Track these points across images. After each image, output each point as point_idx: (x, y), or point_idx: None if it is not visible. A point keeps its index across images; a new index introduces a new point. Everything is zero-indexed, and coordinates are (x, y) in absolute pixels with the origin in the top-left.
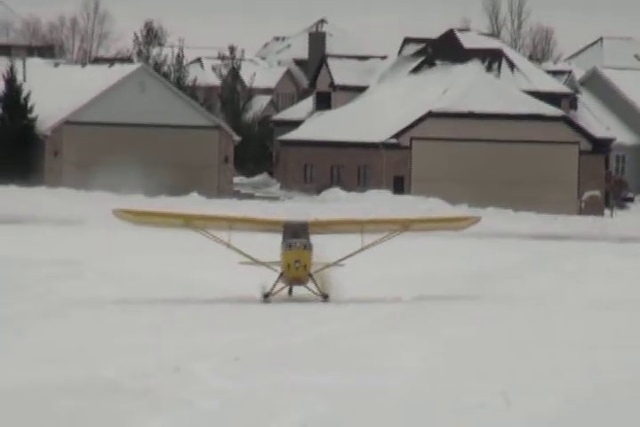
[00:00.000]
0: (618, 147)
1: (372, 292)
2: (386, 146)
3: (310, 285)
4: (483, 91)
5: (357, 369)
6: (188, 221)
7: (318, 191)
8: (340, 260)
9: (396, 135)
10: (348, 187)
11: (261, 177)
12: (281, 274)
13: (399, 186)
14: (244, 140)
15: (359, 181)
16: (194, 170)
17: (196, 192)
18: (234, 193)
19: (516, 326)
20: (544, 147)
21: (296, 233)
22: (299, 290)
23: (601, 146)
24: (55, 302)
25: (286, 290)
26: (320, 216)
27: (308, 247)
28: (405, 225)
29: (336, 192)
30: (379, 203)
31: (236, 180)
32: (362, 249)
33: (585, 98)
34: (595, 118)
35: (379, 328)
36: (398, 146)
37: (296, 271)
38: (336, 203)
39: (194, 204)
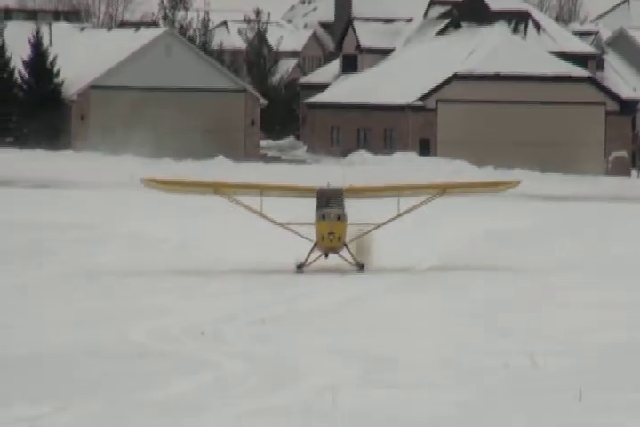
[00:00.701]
0: None
1: (402, 257)
2: (412, 108)
3: (345, 254)
4: (509, 52)
5: (383, 331)
6: (219, 189)
7: (344, 154)
8: (377, 226)
9: (422, 98)
10: (374, 149)
11: (288, 140)
12: (315, 244)
13: (425, 148)
14: (271, 103)
15: (385, 143)
16: (220, 133)
17: (222, 155)
18: (260, 156)
19: (534, 288)
20: (571, 108)
21: (330, 201)
22: (334, 259)
23: (628, 107)
24: (82, 266)
25: (321, 259)
26: (354, 182)
27: (342, 218)
28: (443, 189)
29: (362, 155)
30: (405, 165)
31: (263, 143)
32: (399, 215)
33: (612, 59)
34: (621, 79)
35: (406, 289)
36: (424, 108)
37: (330, 243)
38: (362, 165)
39: (221, 167)
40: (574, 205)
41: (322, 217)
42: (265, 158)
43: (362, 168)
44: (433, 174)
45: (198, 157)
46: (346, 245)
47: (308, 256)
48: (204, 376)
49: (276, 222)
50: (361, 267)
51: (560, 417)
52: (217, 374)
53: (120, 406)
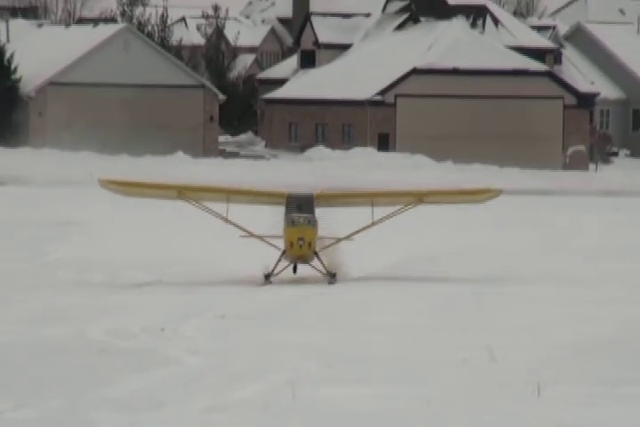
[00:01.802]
0: (602, 101)
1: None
2: (370, 103)
3: (316, 263)
4: (467, 47)
5: (340, 327)
6: (182, 193)
7: (303, 150)
8: (349, 235)
9: (381, 92)
10: (332, 145)
11: (246, 136)
12: (283, 252)
13: (384, 143)
14: (229, 98)
15: (344, 138)
16: (179, 129)
17: (181, 151)
18: (219, 152)
19: (499, 282)
20: (529, 102)
21: (300, 207)
22: (303, 270)
23: (585, 101)
24: (41, 264)
25: (289, 269)
26: (325, 188)
27: (312, 223)
28: (419, 197)
29: (321, 150)
30: (363, 160)
31: (222, 138)
32: (373, 224)
33: (569, 53)
34: (579, 73)
35: (366, 285)
36: (383, 103)
37: (300, 250)
38: (321, 161)
39: (179, 163)
40: (532, 200)
41: (291, 222)
42: (224, 154)
43: (320, 164)
44: (392, 169)
45: (157, 153)
46: (316, 253)
47: (276, 265)
48: (164, 372)
49: (246, 232)
50: (332, 276)
51: (519, 412)
52: (177, 369)
53: (80, 403)
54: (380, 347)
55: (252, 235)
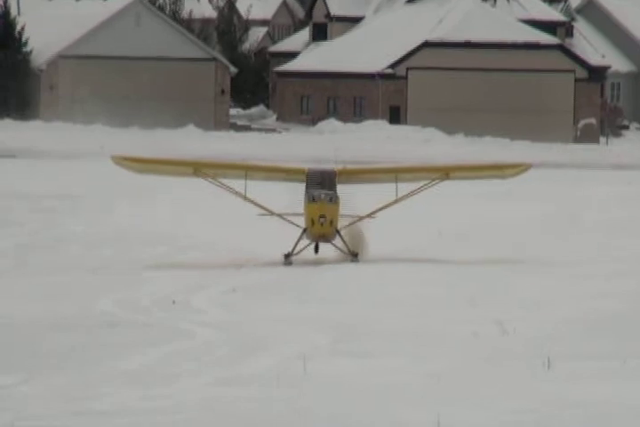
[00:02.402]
0: (613, 74)
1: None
2: (382, 76)
3: (338, 242)
4: (479, 20)
5: (352, 301)
6: (199, 170)
7: (314, 122)
8: (373, 212)
9: (392, 65)
10: (344, 118)
11: (258, 109)
12: (304, 230)
13: (395, 116)
14: (241, 72)
15: (355, 111)
16: (190, 102)
17: (192, 124)
18: (230, 125)
19: (504, 257)
20: (540, 75)
21: (321, 183)
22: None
23: (596, 74)
24: (53, 237)
25: (311, 249)
26: (349, 165)
27: (334, 200)
28: (445, 173)
29: (332, 123)
30: (375, 133)
31: (233, 112)
32: (396, 200)
33: (580, 26)
34: (590, 46)
35: (378, 259)
36: (394, 76)
37: (321, 228)
38: (332, 134)
39: (191, 136)
40: (544, 173)
41: (312, 199)
42: (235, 127)
43: (332, 136)
44: (403, 142)
45: (168, 126)
46: (338, 232)
47: (296, 244)
48: (175, 345)
49: (265, 210)
50: (355, 256)
51: (529, 385)
52: (188, 343)
53: (91, 377)
54: (391, 321)
55: (271, 213)
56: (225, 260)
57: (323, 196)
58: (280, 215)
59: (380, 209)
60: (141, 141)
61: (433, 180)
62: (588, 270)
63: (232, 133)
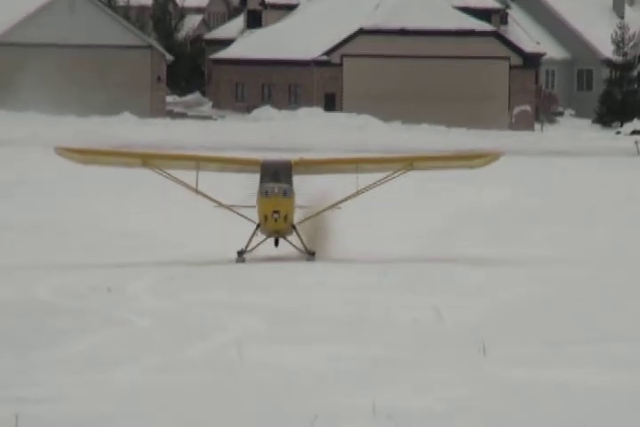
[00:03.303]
0: (548, 62)
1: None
2: (317, 63)
3: (294, 239)
4: (414, 7)
5: (289, 287)
6: (148, 161)
7: (250, 110)
8: (331, 206)
9: (328, 53)
10: (279, 105)
11: (194, 96)
12: (257, 226)
13: (331, 103)
14: (177, 59)
15: (290, 99)
16: (126, 90)
17: (128, 112)
18: (167, 112)
19: (440, 243)
20: (475, 62)
21: (276, 175)
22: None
23: (531, 61)
24: None
25: (266, 244)
26: (306, 155)
27: (288, 194)
28: (410, 163)
29: (267, 110)
30: (310, 121)
31: (169, 99)
32: (357, 193)
33: (515, 13)
34: (525, 33)
35: (317, 246)
36: (329, 63)
37: (275, 224)
38: (268, 121)
39: (126, 124)
40: None
41: (265, 193)
42: (171, 115)
43: (267, 124)
44: (339, 129)
45: (104, 114)
46: (294, 227)
47: (250, 241)
48: (111, 332)
49: (218, 203)
50: (312, 255)
51: (465, 371)
52: (124, 330)
53: (26, 364)
54: (328, 307)
55: (224, 206)
56: (165, 252)
57: (276, 190)
58: (233, 209)
59: (340, 202)
60: (77, 129)
61: (397, 170)
62: (523, 256)
63: (168, 121)
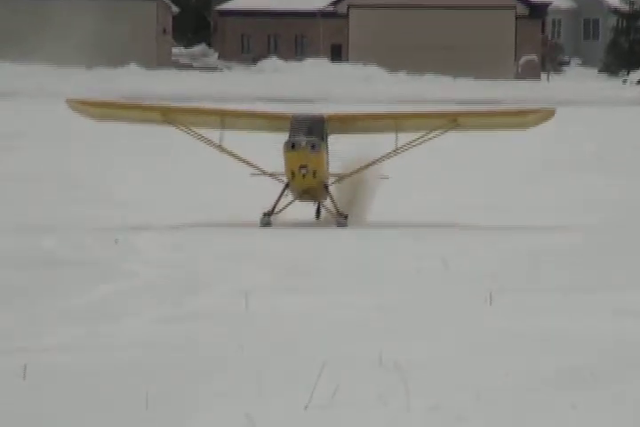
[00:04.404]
0: (554, 11)
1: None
2: (323, 14)
3: (327, 201)
4: None
5: (296, 238)
6: (167, 115)
7: (255, 61)
8: (367, 165)
9: (334, 3)
10: (285, 56)
11: (200, 48)
12: (286, 185)
13: (337, 54)
14: (182, 11)
15: (296, 50)
16: (132, 42)
17: (134, 63)
18: (172, 64)
19: (454, 192)
20: (481, 12)
21: (307, 131)
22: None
23: (537, 10)
24: None
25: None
26: (340, 110)
27: (317, 148)
28: (453, 119)
29: (273, 62)
30: (316, 71)
31: (175, 50)
32: (395, 151)
33: None
34: None
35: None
36: (336, 14)
37: (303, 180)
38: (273, 72)
39: (133, 75)
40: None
41: (291, 146)
42: (177, 66)
43: (273, 75)
44: (345, 80)
45: (110, 66)
46: (326, 187)
47: (277, 202)
48: (118, 284)
49: (244, 162)
50: (344, 218)
51: (471, 320)
52: (130, 281)
53: (33, 316)
54: (334, 257)
55: (249, 164)
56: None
57: (304, 143)
58: (271, 174)
59: (379, 160)
60: (84, 80)
61: (439, 128)
62: (532, 205)
63: (174, 72)
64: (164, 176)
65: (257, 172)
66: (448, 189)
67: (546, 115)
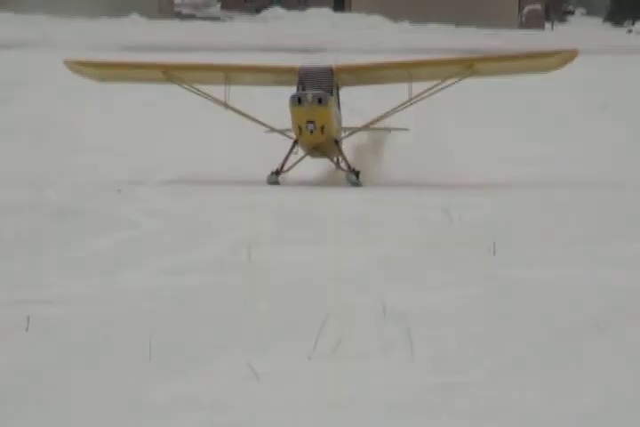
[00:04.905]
0: None
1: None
2: None
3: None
4: None
5: (302, 190)
6: (169, 73)
7: (258, 11)
8: (380, 117)
9: None
10: (288, 5)
11: None
12: (295, 142)
13: (340, 3)
14: None
15: None
16: None
17: (136, 13)
18: (175, 14)
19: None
20: None
21: (313, 82)
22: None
23: None
24: None
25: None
26: (348, 60)
27: (324, 101)
28: (469, 65)
29: (276, 11)
30: (319, 21)
31: (177, 0)
32: (409, 102)
33: None
34: None
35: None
36: None
37: (311, 137)
38: (276, 21)
39: (135, 25)
40: None
41: (297, 101)
42: (180, 16)
43: (276, 24)
44: (348, 30)
45: (112, 16)
46: (337, 142)
47: (286, 159)
48: (121, 234)
49: (252, 119)
50: (356, 175)
51: (474, 270)
52: (134, 231)
53: (35, 266)
54: (337, 207)
55: (256, 121)
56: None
57: (310, 97)
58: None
59: (393, 111)
60: (85, 31)
61: (454, 75)
62: (539, 154)
63: (177, 22)
64: (169, 130)
65: (266, 129)
66: (462, 141)
67: (568, 56)
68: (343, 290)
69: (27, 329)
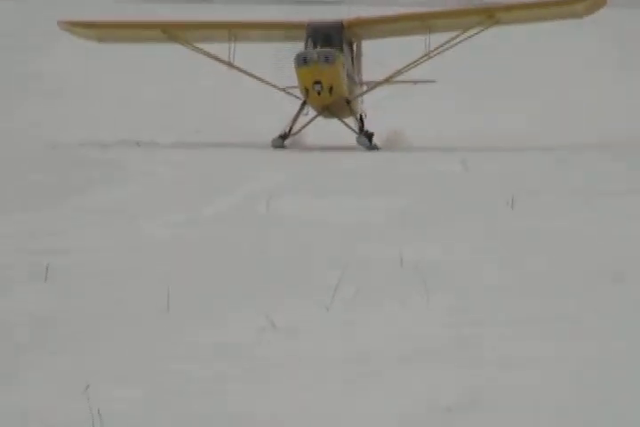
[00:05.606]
0: None
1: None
2: None
3: (349, 119)
4: None
5: (314, 149)
6: (169, 32)
7: None
8: (399, 71)
9: None
10: None
11: None
12: (303, 103)
13: None
14: None
15: None
16: None
17: None
18: None
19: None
20: None
21: (321, 38)
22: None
23: None
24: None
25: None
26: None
27: (331, 59)
28: (490, 15)
29: None
30: None
31: None
32: (427, 55)
33: None
34: None
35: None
36: None
37: (318, 97)
38: None
39: None
40: None
41: (302, 61)
42: None
43: None
44: None
45: None
46: (349, 103)
47: (294, 122)
48: (139, 185)
49: (258, 79)
50: (369, 138)
51: (492, 222)
52: (151, 183)
53: (54, 215)
54: (356, 159)
55: (261, 80)
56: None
57: (315, 55)
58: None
59: (409, 66)
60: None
61: (474, 26)
62: (555, 109)
63: None
64: (191, 88)
65: (280, 87)
66: (479, 95)
67: (598, 1)
68: (360, 241)
69: (45, 279)
